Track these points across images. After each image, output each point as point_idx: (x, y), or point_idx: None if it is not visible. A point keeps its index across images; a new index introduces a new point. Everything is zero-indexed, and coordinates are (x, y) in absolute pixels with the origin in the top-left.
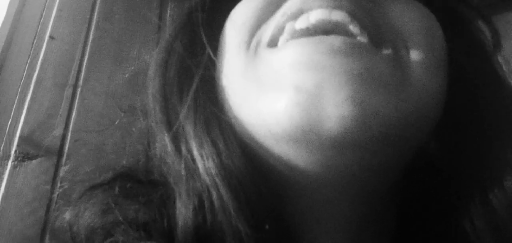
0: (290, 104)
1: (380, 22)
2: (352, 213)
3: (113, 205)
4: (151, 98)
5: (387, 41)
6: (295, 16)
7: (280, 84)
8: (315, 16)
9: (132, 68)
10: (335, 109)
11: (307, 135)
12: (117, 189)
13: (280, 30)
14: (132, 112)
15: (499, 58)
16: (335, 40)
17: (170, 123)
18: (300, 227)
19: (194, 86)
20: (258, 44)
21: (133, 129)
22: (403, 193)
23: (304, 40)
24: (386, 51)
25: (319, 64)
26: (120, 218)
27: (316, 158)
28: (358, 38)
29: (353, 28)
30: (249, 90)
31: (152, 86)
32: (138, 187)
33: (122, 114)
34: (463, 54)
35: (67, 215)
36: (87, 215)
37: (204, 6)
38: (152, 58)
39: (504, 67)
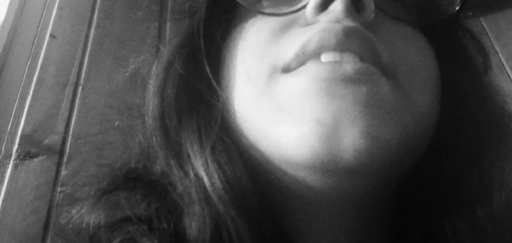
0: (312, 137)
1: (384, 55)
2: (355, 222)
3: (122, 204)
4: (152, 121)
5: (390, 73)
6: (312, 55)
7: (301, 114)
8: (326, 58)
9: (133, 67)
10: (352, 143)
11: (326, 165)
12: (125, 190)
13: (298, 64)
14: (132, 113)
15: (489, 77)
16: (348, 68)
17: (172, 146)
18: (305, 238)
19: (196, 111)
20: (272, 70)
21: (133, 134)
22: (404, 198)
23: (320, 67)
24: (389, 79)
25: (335, 93)
26: (132, 215)
27: (330, 183)
28: (368, 65)
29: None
30: (266, 117)
31: (152, 107)
32: (145, 189)
33: (122, 116)
34: (456, 74)
35: (73, 214)
36: (95, 214)
37: (206, 29)
38: (151, 77)
39: (494, 88)
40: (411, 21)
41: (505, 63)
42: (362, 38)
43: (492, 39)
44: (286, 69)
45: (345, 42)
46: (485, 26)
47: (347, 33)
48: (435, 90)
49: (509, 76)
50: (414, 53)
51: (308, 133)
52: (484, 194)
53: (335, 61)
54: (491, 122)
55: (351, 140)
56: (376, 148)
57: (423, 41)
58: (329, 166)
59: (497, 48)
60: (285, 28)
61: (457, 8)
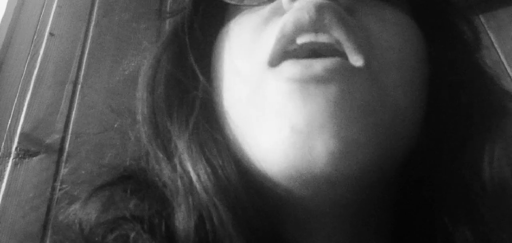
0: (286, 145)
1: (360, 37)
2: (348, 223)
3: (117, 202)
4: (141, 117)
5: (365, 57)
6: (290, 37)
7: (278, 119)
8: (301, 40)
9: (132, 65)
10: (324, 146)
11: (301, 174)
12: (119, 188)
13: (279, 49)
14: (131, 111)
15: (482, 57)
16: (317, 68)
17: (162, 141)
18: (296, 239)
19: (185, 106)
20: (261, 65)
21: (130, 133)
22: (399, 193)
23: (295, 66)
24: (361, 63)
25: (307, 95)
26: (126, 213)
27: (309, 191)
28: (338, 61)
29: (337, 46)
30: (250, 118)
31: (141, 104)
32: (139, 188)
33: (121, 113)
34: (448, 54)
35: (70, 211)
36: (90, 211)
37: (191, 26)
38: (141, 74)
39: (486, 65)
40: (394, 3)
41: (504, 61)
42: (335, 13)
43: (491, 36)
44: (271, 62)
45: (319, 19)
46: (485, 23)
47: (319, 9)
48: (416, 79)
49: (508, 74)
50: (394, 40)
51: (283, 140)
52: (476, 174)
53: (312, 50)
54: (483, 100)
55: (323, 145)
56: (349, 150)
57: (407, 24)
58: (304, 175)
59: (496, 45)
60: (266, 21)
61: None
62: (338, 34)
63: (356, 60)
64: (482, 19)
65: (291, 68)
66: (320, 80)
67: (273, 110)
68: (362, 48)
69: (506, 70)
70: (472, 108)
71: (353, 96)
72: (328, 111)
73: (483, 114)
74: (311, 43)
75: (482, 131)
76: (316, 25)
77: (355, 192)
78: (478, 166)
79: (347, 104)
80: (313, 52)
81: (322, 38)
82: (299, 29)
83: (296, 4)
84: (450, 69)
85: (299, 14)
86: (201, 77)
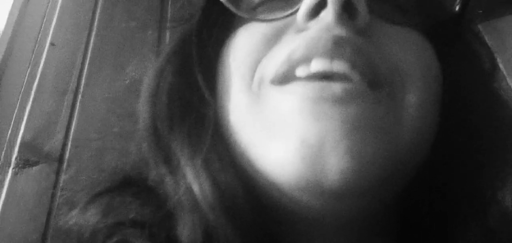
0: (296, 157)
1: (379, 63)
2: (352, 236)
3: (117, 207)
4: (143, 129)
5: (385, 83)
6: (299, 62)
7: (287, 133)
8: (316, 66)
9: (132, 74)
10: (336, 162)
11: (310, 186)
12: (119, 194)
13: (284, 72)
14: (131, 120)
15: (496, 79)
16: (336, 88)
17: (163, 154)
18: None
19: (188, 120)
20: (261, 80)
21: (132, 143)
22: (405, 210)
23: (308, 86)
24: (383, 93)
25: (321, 113)
26: (126, 219)
27: (317, 203)
28: (357, 85)
29: (353, 75)
30: (256, 131)
31: (143, 116)
32: (140, 194)
33: (121, 123)
34: (461, 76)
35: (69, 217)
36: (90, 217)
37: (199, 37)
38: (143, 84)
39: (501, 90)
40: (410, 24)
41: (503, 70)
42: (353, 47)
43: (490, 45)
44: (274, 81)
45: (335, 50)
46: (483, 32)
47: (337, 42)
48: (433, 98)
49: (507, 83)
50: (412, 59)
51: (293, 152)
52: (492, 198)
53: (325, 77)
54: (498, 125)
55: (335, 159)
56: (361, 167)
57: (423, 45)
58: (314, 187)
59: (495, 54)
60: (277, 35)
61: (458, 7)
62: (358, 65)
63: (375, 98)
64: (481, 28)
65: (304, 88)
66: (338, 100)
67: (281, 123)
68: (382, 75)
69: (505, 79)
70: (487, 133)
71: (371, 119)
72: (344, 130)
73: (499, 141)
74: (325, 72)
75: (499, 158)
76: (331, 55)
77: (362, 206)
78: (496, 192)
79: (365, 126)
80: (324, 75)
81: (338, 66)
82: (309, 58)
83: (312, 28)
84: (465, 93)
85: (312, 43)
86: (205, 91)
